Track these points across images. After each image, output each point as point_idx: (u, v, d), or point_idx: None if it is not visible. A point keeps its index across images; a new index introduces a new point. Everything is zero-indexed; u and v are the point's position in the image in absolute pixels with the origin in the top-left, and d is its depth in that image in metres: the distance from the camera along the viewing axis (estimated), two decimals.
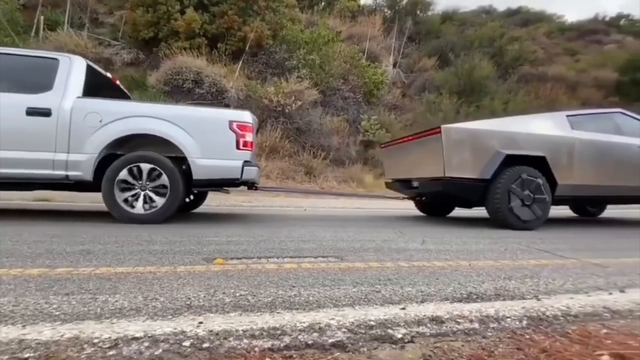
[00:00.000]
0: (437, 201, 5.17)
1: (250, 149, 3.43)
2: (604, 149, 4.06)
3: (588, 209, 6.19)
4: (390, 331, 0.94)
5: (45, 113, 3.08)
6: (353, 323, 0.98)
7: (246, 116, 3.47)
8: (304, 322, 0.98)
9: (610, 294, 1.52)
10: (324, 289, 1.49)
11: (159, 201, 3.25)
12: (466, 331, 0.98)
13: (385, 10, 22.01)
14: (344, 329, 0.95)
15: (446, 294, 1.46)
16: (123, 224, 3.21)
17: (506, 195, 3.64)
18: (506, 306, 1.17)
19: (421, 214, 5.47)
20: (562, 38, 26.49)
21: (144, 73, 11.94)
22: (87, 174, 3.14)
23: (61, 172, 3.11)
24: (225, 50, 12.40)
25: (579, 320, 1.11)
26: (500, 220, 3.76)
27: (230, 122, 3.35)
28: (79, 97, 3.24)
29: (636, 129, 4.33)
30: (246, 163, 3.40)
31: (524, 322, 1.05)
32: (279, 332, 0.93)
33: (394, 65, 18.25)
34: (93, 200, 5.25)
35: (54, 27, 12.08)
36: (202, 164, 3.27)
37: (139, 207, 3.23)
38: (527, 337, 0.93)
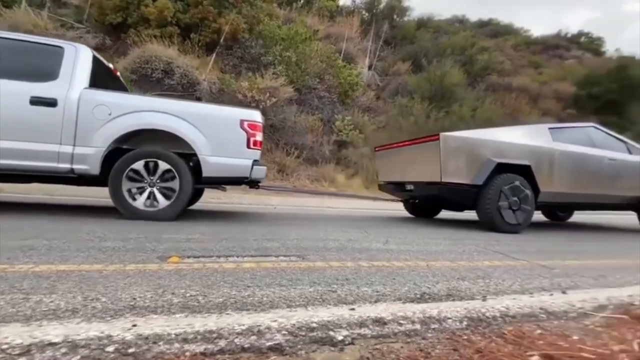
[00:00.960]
0: (426, 204, 5.34)
1: (259, 148, 3.43)
2: (579, 160, 4.40)
3: (558, 214, 6.63)
4: (331, 333, 0.94)
5: (51, 103, 2.92)
6: (294, 325, 0.97)
7: (257, 116, 3.47)
8: (243, 325, 0.96)
9: (552, 294, 1.61)
10: (280, 289, 1.47)
11: (162, 201, 3.20)
12: (407, 332, 0.99)
13: (363, 12, 22.26)
14: (284, 332, 0.93)
15: (400, 294, 1.48)
16: (74, 218, 3.03)
17: (496, 201, 3.86)
18: (450, 307, 1.20)
19: (399, 214, 5.59)
20: (527, 51, 27.99)
21: (110, 60, 11.30)
22: (94, 168, 3.03)
23: (66, 165, 2.98)
24: (198, 41, 12.01)
25: (516, 320, 1.16)
26: (489, 224, 3.97)
27: (242, 121, 3.34)
28: (86, 88, 3.10)
29: (607, 142, 4.73)
30: (255, 162, 3.40)
31: (464, 323, 1.09)
32: (215, 335, 0.89)
33: (369, 68, 18.50)
34: (64, 194, 4.92)
35: (9, 4, 11.17)
36: (213, 162, 3.24)
37: (144, 203, 3.17)
38: (465, 337, 0.96)
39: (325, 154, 11.88)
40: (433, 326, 1.05)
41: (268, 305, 1.25)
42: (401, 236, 3.31)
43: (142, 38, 11.01)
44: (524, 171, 4.02)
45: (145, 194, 3.17)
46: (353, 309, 1.17)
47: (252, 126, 3.37)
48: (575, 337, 1.01)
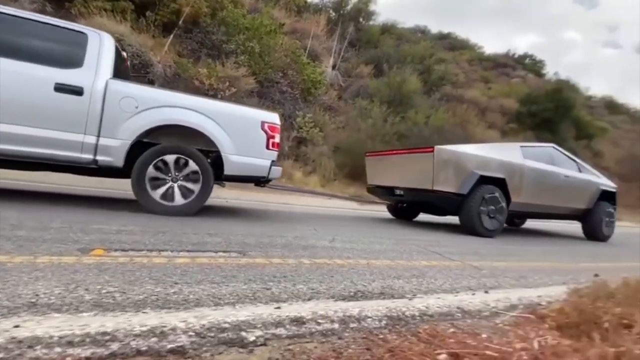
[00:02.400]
0: (409, 208, 5.76)
1: (277, 149, 3.53)
2: (543, 175, 5.02)
3: (515, 221, 7.22)
4: (243, 334, 0.91)
5: (77, 91, 2.83)
6: (204, 326, 0.92)
7: (276, 118, 3.55)
8: (146, 326, 0.89)
9: (474, 294, 1.72)
10: (212, 286, 1.41)
11: (179, 197, 3.20)
12: (325, 332, 0.99)
13: (331, 11, 22.36)
14: (191, 333, 0.88)
15: (335, 292, 1.49)
16: None
17: (477, 208, 4.29)
18: (373, 306, 1.23)
19: (354, 213, 5.67)
20: (479, 66, 30.01)
21: None
22: (118, 160, 2.97)
23: (89, 156, 2.90)
24: (154, 21, 11.24)
25: (433, 319, 1.22)
26: (469, 228, 4.40)
27: (263, 123, 3.43)
28: (111, 79, 3.02)
29: (563, 161, 5.44)
30: (273, 163, 3.49)
31: (384, 322, 1.12)
32: (108, 337, 0.82)
33: (333, 67, 18.65)
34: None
35: None
36: (235, 161, 3.31)
37: (178, 199, 3.18)
38: (381, 337, 0.98)
39: (285, 150, 11.76)
40: (352, 325, 1.06)
41: (193, 303, 1.18)
42: (348, 234, 3.37)
43: (90, 10, 10.04)
44: (500, 183, 4.50)
45: (165, 188, 3.16)
46: (279, 308, 1.14)
47: (272, 128, 3.47)
48: (484, 336, 1.08)
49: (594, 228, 5.68)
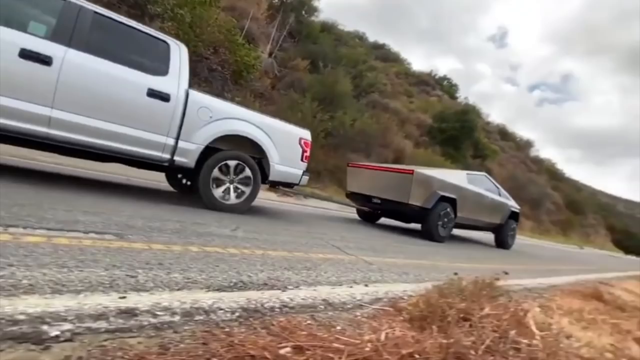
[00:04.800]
0: (375, 213, 6.72)
1: (307, 162, 4.15)
2: (478, 197, 6.41)
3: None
4: (44, 327, 0.78)
5: (165, 98, 3.11)
6: (2, 319, 0.76)
7: (309, 136, 4.22)
8: None
9: (351, 286, 1.81)
10: (59, 270, 1.20)
11: (233, 197, 3.65)
12: (159, 325, 0.91)
13: None
14: None
15: (213, 282, 1.41)
16: None
17: (436, 220, 5.43)
18: (231, 297, 1.19)
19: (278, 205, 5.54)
20: (405, 80, 32.57)
21: None
22: (191, 162, 3.34)
23: (167, 156, 3.22)
24: None
25: (294, 311, 1.24)
26: (429, 235, 5.48)
27: (300, 139, 4.06)
28: (190, 89, 3.33)
29: (489, 186, 6.96)
30: (304, 172, 4.12)
31: (236, 314, 1.08)
32: None
33: (270, 55, 18.21)
34: None
35: None
36: (279, 169, 3.87)
37: (221, 196, 3.57)
38: (227, 330, 0.95)
39: None
40: (198, 318, 0.99)
41: (23, 290, 0.98)
42: (256, 225, 3.29)
43: None
44: (452, 201, 5.65)
45: (223, 188, 3.59)
46: (124, 298, 1.02)
47: (306, 144, 4.12)
48: (338, 328, 1.13)
49: (504, 238, 7.37)
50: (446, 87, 39.04)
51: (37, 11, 2.84)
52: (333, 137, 14.27)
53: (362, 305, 1.45)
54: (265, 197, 7.36)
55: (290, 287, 1.56)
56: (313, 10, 24.17)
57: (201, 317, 0.99)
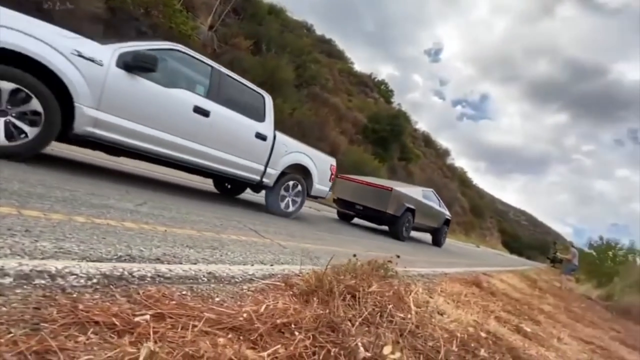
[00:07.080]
0: (350, 214, 8.18)
1: (333, 181, 5.71)
2: (428, 208, 8.63)
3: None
4: None
5: (264, 138, 4.28)
6: None
7: (335, 162, 5.65)
8: None
9: (252, 265, 1.81)
10: None
11: (297, 201, 5.10)
12: None
13: None
14: None
15: (92, 254, 1.26)
16: None
17: (403, 224, 7.39)
18: (91, 265, 1.07)
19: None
20: (347, 79, 33.45)
21: None
22: (272, 182, 4.56)
23: (258, 178, 4.38)
24: None
25: (169, 282, 1.15)
26: (395, 235, 7.42)
27: (330, 165, 5.48)
28: (276, 131, 4.49)
29: (435, 199, 9.30)
30: (330, 189, 5.56)
31: (93, 281, 0.99)
32: None
33: (210, 28, 17.06)
34: None
35: None
36: (317, 187, 5.21)
37: (284, 207, 4.87)
38: (74, 296, 0.86)
39: None
40: (38, 282, 0.86)
41: None
42: (168, 203, 3.05)
43: None
44: (412, 211, 7.65)
45: (285, 200, 4.86)
46: None
47: (333, 169, 5.57)
48: (216, 299, 1.12)
49: (439, 239, 9.86)
50: (383, 91, 41.12)
51: (197, 75, 3.75)
52: None
53: (252, 279, 1.45)
54: (198, 180, 6.94)
55: (185, 263, 1.49)
56: None
57: (43, 282, 0.87)
